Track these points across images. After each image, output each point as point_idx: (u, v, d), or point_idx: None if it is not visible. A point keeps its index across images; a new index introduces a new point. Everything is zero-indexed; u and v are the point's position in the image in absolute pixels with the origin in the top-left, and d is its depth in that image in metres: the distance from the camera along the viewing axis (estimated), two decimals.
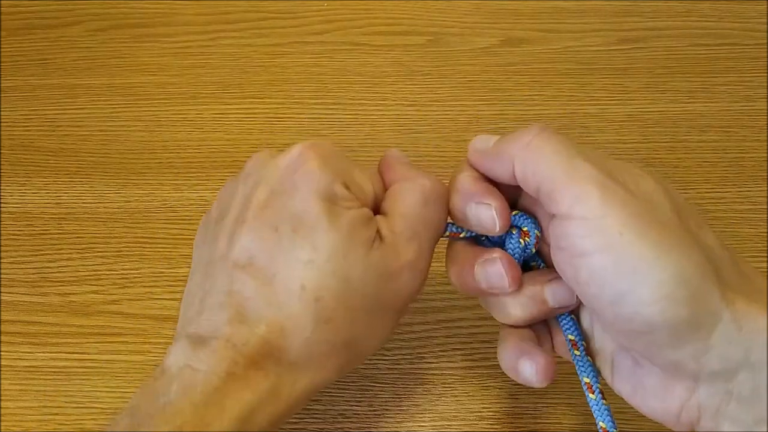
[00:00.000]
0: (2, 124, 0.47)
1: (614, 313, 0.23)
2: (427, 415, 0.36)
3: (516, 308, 0.28)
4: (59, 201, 0.43)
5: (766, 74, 0.48)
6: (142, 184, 0.44)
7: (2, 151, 0.45)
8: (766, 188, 0.43)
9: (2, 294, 0.40)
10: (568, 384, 0.36)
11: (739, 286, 0.23)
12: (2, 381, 0.37)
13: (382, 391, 0.36)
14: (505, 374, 0.37)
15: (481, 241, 0.29)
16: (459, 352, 0.37)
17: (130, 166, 0.44)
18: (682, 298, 0.22)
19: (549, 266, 0.28)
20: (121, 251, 0.41)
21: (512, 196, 0.28)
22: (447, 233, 0.29)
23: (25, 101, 0.48)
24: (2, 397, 0.37)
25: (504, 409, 0.36)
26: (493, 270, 0.27)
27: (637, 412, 0.36)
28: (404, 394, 0.36)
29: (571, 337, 0.28)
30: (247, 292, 0.25)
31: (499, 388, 0.36)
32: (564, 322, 0.28)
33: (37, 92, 0.48)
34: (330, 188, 0.26)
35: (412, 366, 0.37)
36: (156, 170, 0.44)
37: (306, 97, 0.47)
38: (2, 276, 0.41)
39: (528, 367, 0.27)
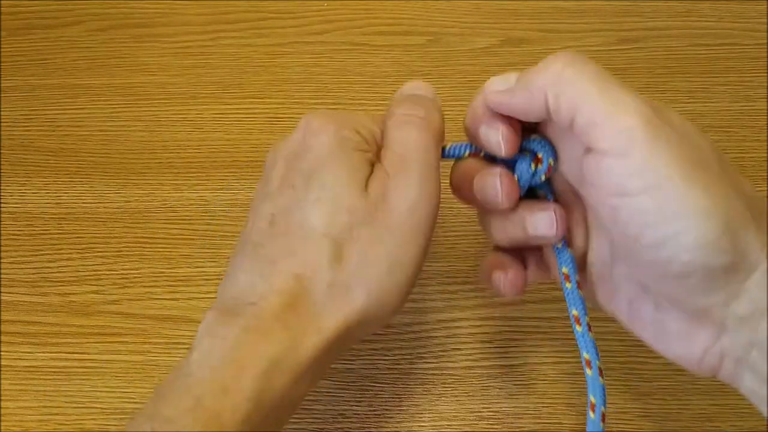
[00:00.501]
0: (2, 124, 0.47)
1: (651, 256, 0.23)
2: (427, 415, 0.36)
3: (499, 229, 0.28)
4: (59, 201, 0.43)
5: (766, 74, 0.47)
6: (142, 184, 0.44)
7: (2, 151, 0.45)
8: (766, 188, 0.43)
9: (2, 294, 0.40)
10: (568, 384, 0.36)
11: None
12: (2, 381, 0.37)
13: (382, 391, 0.36)
14: (506, 374, 0.37)
15: (495, 160, 0.29)
16: (459, 352, 0.37)
17: (130, 166, 0.44)
18: (726, 245, 0.22)
19: (557, 200, 0.28)
20: (121, 251, 0.41)
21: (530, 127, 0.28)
22: (466, 153, 0.29)
23: (25, 101, 0.48)
24: (2, 397, 0.37)
25: (504, 409, 0.36)
26: (490, 183, 0.27)
27: (637, 412, 0.36)
28: (404, 394, 0.36)
29: (564, 269, 0.28)
30: (266, 249, 0.26)
31: (499, 388, 0.36)
32: (559, 253, 0.28)
33: (37, 92, 0.48)
34: (338, 134, 0.27)
35: (412, 366, 0.37)
36: (156, 170, 0.44)
37: (306, 97, 0.47)
38: (2, 276, 0.41)
39: (499, 278, 0.28)
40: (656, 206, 0.22)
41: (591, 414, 0.28)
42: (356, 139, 0.27)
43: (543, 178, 0.27)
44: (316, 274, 0.25)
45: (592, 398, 0.28)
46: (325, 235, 0.25)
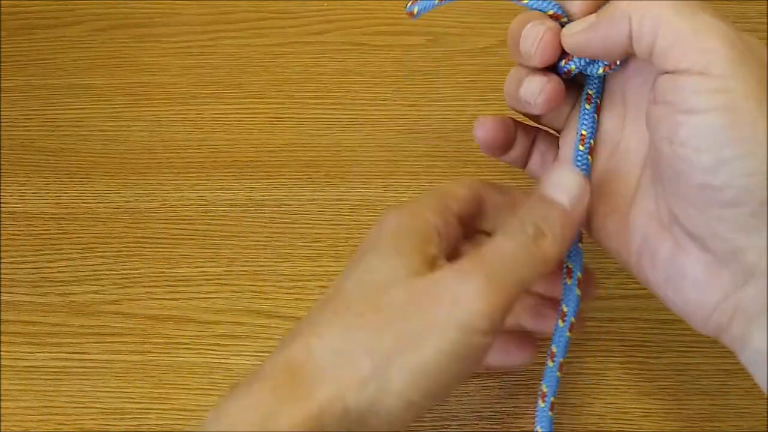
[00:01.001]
0: (2, 124, 0.47)
1: (703, 180, 0.22)
2: (427, 415, 0.36)
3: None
4: (59, 201, 0.43)
5: None
6: (142, 184, 0.44)
7: (2, 151, 0.45)
8: (766, 188, 0.42)
9: (2, 294, 0.40)
10: (568, 384, 0.36)
11: None
12: (2, 381, 0.37)
13: None
14: (506, 374, 0.37)
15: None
16: None
17: (130, 166, 0.44)
18: None
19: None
20: (121, 251, 0.41)
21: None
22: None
23: (25, 101, 0.48)
24: (2, 397, 0.37)
25: (504, 409, 0.36)
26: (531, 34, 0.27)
27: (637, 412, 0.36)
28: None
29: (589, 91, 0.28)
30: (301, 323, 0.26)
31: (499, 388, 0.36)
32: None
33: (37, 92, 0.48)
34: (395, 224, 0.27)
35: None
36: (156, 170, 0.44)
37: (306, 97, 0.47)
38: (2, 276, 0.41)
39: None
40: (724, 125, 0.21)
41: (560, 323, 0.29)
42: (417, 227, 0.26)
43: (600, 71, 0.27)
44: (324, 341, 0.24)
45: (564, 307, 0.28)
46: (348, 308, 0.25)
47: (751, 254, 0.22)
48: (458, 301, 0.23)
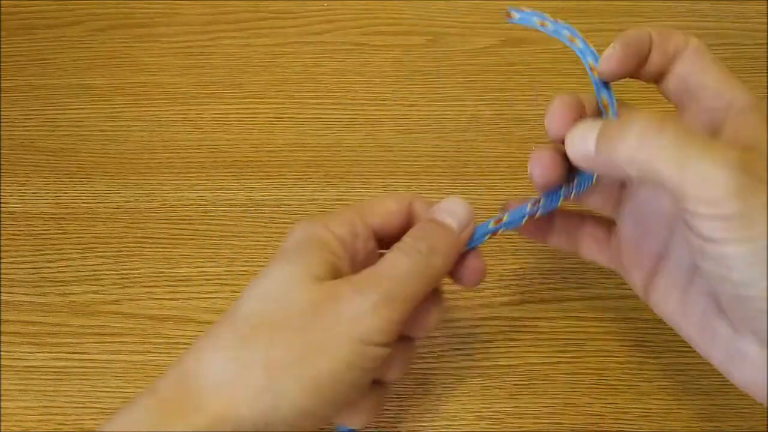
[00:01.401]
0: (2, 124, 0.47)
1: (736, 292, 0.23)
2: (427, 415, 0.36)
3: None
4: (59, 201, 0.43)
5: (766, 74, 0.47)
6: (142, 184, 0.44)
7: (2, 151, 0.45)
8: (766, 188, 0.42)
9: (2, 294, 0.40)
10: (568, 384, 0.36)
11: None
12: (2, 381, 0.37)
13: None
14: (506, 374, 0.37)
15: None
16: (459, 352, 0.37)
17: (130, 166, 0.44)
18: None
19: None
20: (121, 251, 0.41)
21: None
22: (487, 237, 0.29)
23: (25, 101, 0.48)
24: (2, 397, 0.37)
25: (504, 409, 0.36)
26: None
27: (637, 412, 0.36)
28: (404, 394, 0.36)
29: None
30: (201, 336, 0.26)
31: (499, 388, 0.36)
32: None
33: (37, 92, 0.48)
34: (303, 234, 0.27)
35: (413, 366, 0.37)
36: (156, 170, 0.44)
37: (306, 97, 0.47)
38: (2, 276, 0.41)
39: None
40: (745, 252, 0.22)
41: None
42: (324, 239, 0.27)
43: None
44: (216, 350, 0.25)
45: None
46: (244, 319, 0.25)
47: None
48: (356, 318, 0.24)
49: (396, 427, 0.35)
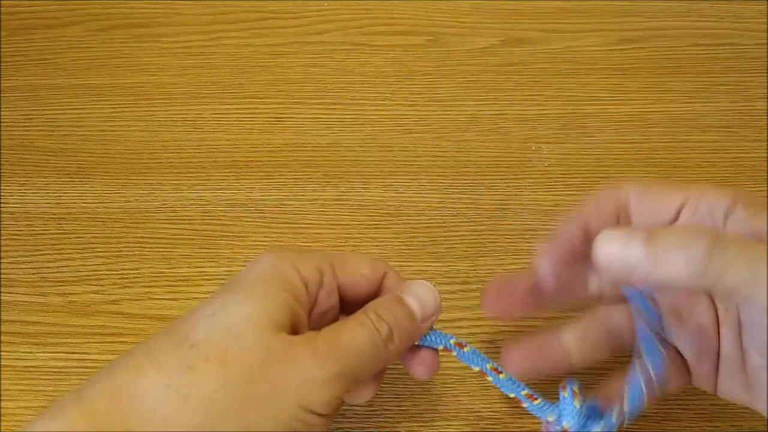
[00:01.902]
0: (2, 124, 0.47)
1: None
2: (427, 415, 0.36)
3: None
4: (59, 201, 0.43)
5: (766, 74, 0.47)
6: (142, 184, 0.44)
7: (2, 151, 0.45)
8: (766, 188, 0.43)
9: (2, 294, 0.40)
10: None
11: None
12: (2, 381, 0.37)
13: (382, 391, 0.36)
14: None
15: None
16: None
17: (130, 166, 0.44)
18: None
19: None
20: (121, 251, 0.41)
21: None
22: (440, 348, 0.29)
23: (25, 101, 0.48)
24: (2, 397, 0.37)
25: (504, 409, 0.36)
26: None
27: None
28: (404, 394, 0.36)
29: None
30: (137, 348, 0.25)
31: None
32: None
33: (37, 92, 0.48)
34: (271, 271, 0.26)
35: None
36: (156, 170, 0.44)
37: (306, 97, 0.47)
38: (2, 276, 0.41)
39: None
40: None
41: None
42: (292, 281, 0.26)
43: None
44: (160, 374, 0.23)
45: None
46: (193, 346, 0.24)
47: None
48: (306, 386, 0.24)
49: (396, 427, 0.35)
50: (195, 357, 0.24)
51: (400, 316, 0.27)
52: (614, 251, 0.24)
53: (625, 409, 0.26)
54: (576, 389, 0.27)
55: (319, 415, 0.25)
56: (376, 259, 0.29)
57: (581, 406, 0.27)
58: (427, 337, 0.29)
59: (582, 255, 0.26)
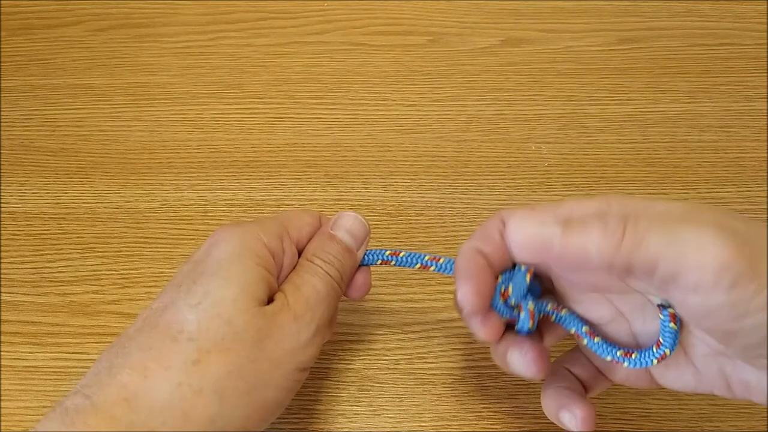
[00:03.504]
0: (2, 124, 0.47)
1: (755, 351, 0.23)
2: (427, 415, 0.36)
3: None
4: (59, 201, 0.43)
5: (766, 74, 0.48)
6: (142, 184, 0.44)
7: (2, 151, 0.45)
8: (766, 188, 0.43)
9: (2, 294, 0.40)
10: None
11: None
12: (2, 381, 0.37)
13: (382, 391, 0.36)
14: (506, 374, 0.37)
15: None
16: (459, 352, 0.37)
17: (130, 166, 0.44)
18: None
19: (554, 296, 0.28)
20: (121, 251, 0.41)
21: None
22: (378, 262, 0.31)
23: (25, 101, 0.48)
24: (2, 397, 0.37)
25: (504, 409, 0.36)
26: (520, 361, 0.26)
27: (637, 412, 0.36)
28: (404, 394, 0.36)
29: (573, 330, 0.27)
30: (130, 343, 0.25)
31: (499, 388, 0.36)
32: (564, 321, 0.27)
33: (37, 92, 0.48)
34: (242, 244, 0.27)
35: (412, 366, 0.37)
36: (156, 170, 0.44)
37: (306, 97, 0.47)
38: (2, 276, 0.41)
39: (568, 419, 0.27)
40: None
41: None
42: (260, 255, 0.27)
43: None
44: (169, 372, 0.24)
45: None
46: (191, 339, 0.25)
47: None
48: (297, 350, 0.27)
49: (396, 427, 0.35)
50: (196, 351, 0.25)
51: (340, 253, 0.30)
52: (530, 232, 0.24)
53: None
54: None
55: (309, 368, 0.28)
56: (308, 209, 0.32)
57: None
58: (363, 258, 0.31)
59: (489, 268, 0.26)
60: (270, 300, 0.28)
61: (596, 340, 0.27)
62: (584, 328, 0.27)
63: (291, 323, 0.27)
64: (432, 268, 0.30)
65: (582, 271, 0.25)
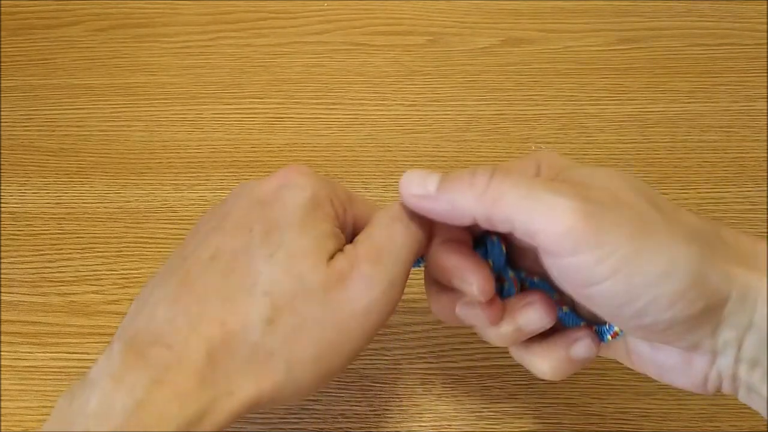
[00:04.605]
0: (2, 124, 0.47)
1: (634, 322, 0.24)
2: (427, 415, 0.36)
3: (496, 339, 0.27)
4: (59, 201, 0.43)
5: (766, 74, 0.48)
6: (142, 184, 0.44)
7: (2, 151, 0.45)
8: (766, 188, 0.43)
9: (2, 294, 0.40)
10: (568, 384, 0.36)
11: (731, 255, 0.23)
12: (2, 381, 0.37)
13: (382, 391, 0.36)
14: (506, 374, 0.37)
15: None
16: (459, 352, 0.37)
17: (130, 166, 0.44)
18: (696, 294, 0.22)
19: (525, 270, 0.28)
20: (121, 251, 0.41)
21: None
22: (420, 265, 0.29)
23: (25, 101, 0.48)
24: (2, 397, 0.37)
25: (504, 409, 0.36)
26: (473, 312, 0.26)
27: (637, 412, 0.36)
28: (404, 394, 0.36)
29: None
30: (199, 286, 0.24)
31: (499, 388, 0.36)
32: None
33: (37, 92, 0.48)
34: (314, 197, 0.26)
35: (412, 366, 0.37)
36: (156, 170, 0.44)
37: (306, 97, 0.47)
38: (2, 276, 0.41)
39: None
40: (624, 287, 0.22)
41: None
42: (328, 210, 0.26)
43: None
44: (245, 330, 0.23)
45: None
46: (266, 293, 0.24)
47: (706, 342, 0.24)
48: (367, 312, 0.25)
49: (396, 427, 0.35)
50: (270, 308, 0.24)
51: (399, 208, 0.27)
52: (414, 191, 0.25)
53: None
54: None
55: (376, 333, 0.26)
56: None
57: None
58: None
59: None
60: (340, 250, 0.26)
61: (564, 309, 0.27)
62: (555, 296, 0.27)
63: (362, 284, 0.25)
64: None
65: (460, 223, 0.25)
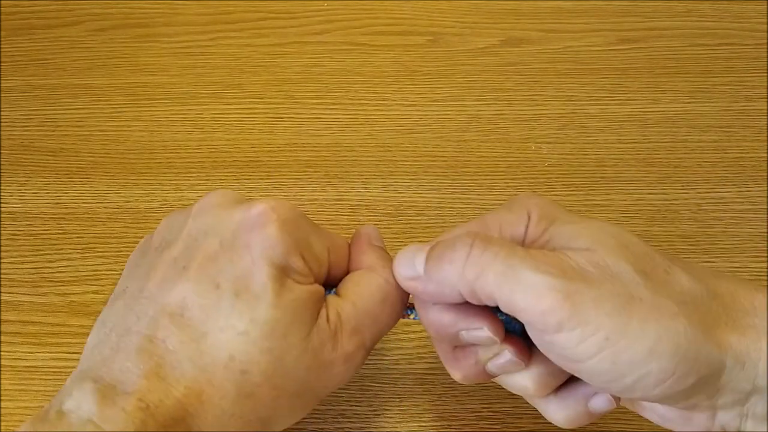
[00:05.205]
0: (2, 124, 0.47)
1: (626, 395, 0.24)
2: (427, 415, 0.36)
3: (529, 381, 0.26)
4: (59, 201, 0.43)
5: (766, 74, 0.47)
6: (142, 184, 0.44)
7: (2, 151, 0.45)
8: (766, 188, 0.43)
9: (2, 294, 0.40)
10: None
11: (726, 319, 0.23)
12: (2, 381, 0.37)
13: (382, 391, 0.36)
14: None
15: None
16: None
17: (130, 166, 0.44)
18: (686, 370, 0.22)
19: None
20: (121, 251, 0.41)
21: None
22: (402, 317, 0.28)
23: (25, 101, 0.48)
24: (2, 397, 0.37)
25: (504, 409, 0.36)
26: (505, 361, 0.26)
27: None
28: (404, 394, 0.36)
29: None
30: (171, 344, 0.23)
31: (499, 388, 0.36)
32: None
33: (37, 92, 0.48)
34: (284, 258, 0.24)
35: (412, 366, 0.37)
36: (156, 170, 0.44)
37: (306, 97, 0.47)
38: (2, 276, 0.41)
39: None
40: (609, 365, 0.22)
41: None
42: (300, 267, 0.25)
43: None
44: (221, 401, 0.23)
45: None
46: (244, 372, 0.24)
47: (703, 403, 0.23)
48: (347, 378, 0.26)
49: (396, 427, 0.35)
50: (249, 385, 0.24)
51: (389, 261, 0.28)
52: (404, 272, 0.26)
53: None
54: None
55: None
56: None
57: None
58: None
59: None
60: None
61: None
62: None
63: (343, 363, 0.25)
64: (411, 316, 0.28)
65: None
